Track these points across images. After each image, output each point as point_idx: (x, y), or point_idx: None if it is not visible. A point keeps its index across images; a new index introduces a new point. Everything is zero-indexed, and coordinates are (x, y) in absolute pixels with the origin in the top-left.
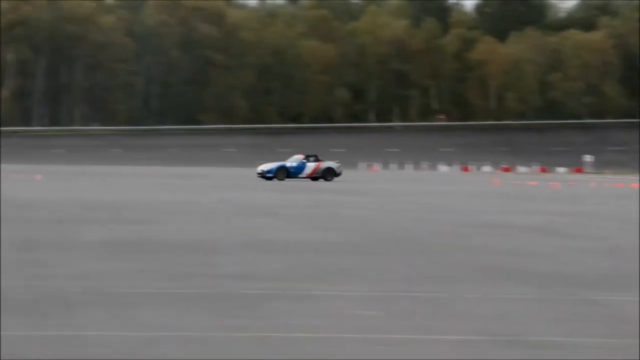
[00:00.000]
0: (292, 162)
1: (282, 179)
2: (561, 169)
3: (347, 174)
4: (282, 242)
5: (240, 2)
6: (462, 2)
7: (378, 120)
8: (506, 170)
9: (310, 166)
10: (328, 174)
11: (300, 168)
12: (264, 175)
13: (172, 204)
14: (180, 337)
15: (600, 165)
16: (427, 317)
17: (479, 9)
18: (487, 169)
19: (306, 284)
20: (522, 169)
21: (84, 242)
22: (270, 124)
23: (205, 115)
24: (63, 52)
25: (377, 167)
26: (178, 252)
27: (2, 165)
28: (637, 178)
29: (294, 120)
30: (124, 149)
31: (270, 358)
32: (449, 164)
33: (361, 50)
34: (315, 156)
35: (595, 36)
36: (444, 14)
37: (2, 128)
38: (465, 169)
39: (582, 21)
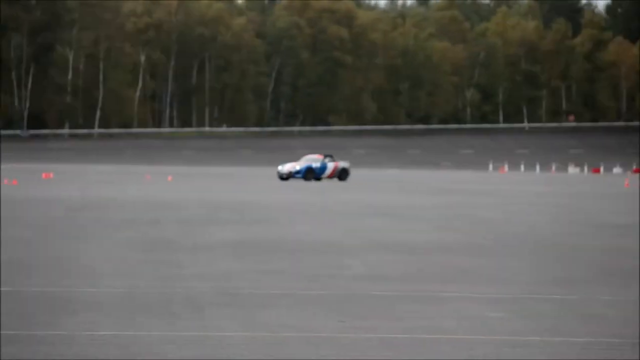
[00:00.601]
0: (314, 162)
1: (309, 180)
2: None
3: (473, 175)
4: (407, 243)
5: (370, 3)
6: (594, 2)
7: (507, 122)
8: (637, 172)
9: (330, 166)
10: (343, 174)
11: (323, 168)
12: (291, 176)
13: (300, 205)
14: (307, 338)
15: None
16: (556, 318)
17: (610, 9)
18: (617, 170)
19: (434, 285)
20: None
21: (212, 242)
22: (399, 125)
23: (334, 116)
24: (194, 54)
25: (505, 168)
26: (305, 253)
27: (137, 167)
28: None
29: (422, 121)
30: (253, 150)
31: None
32: (579, 165)
33: (491, 51)
34: (331, 156)
35: None
36: (574, 15)
37: (134, 129)
38: (596, 171)
39: None
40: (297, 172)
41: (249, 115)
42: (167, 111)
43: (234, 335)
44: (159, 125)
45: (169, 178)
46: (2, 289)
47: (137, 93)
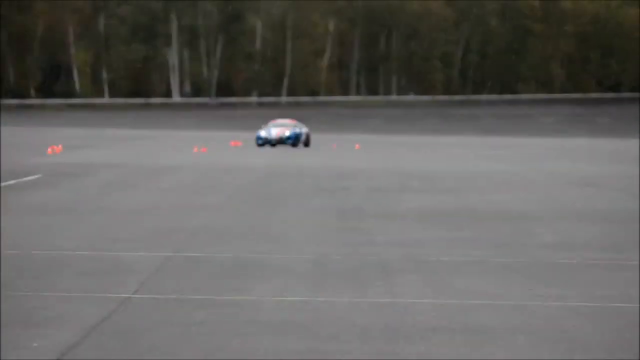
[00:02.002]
0: (295, 127)
1: (296, 146)
2: None
3: None
4: (600, 211)
5: None
6: None
7: None
8: None
9: (304, 132)
10: (308, 141)
11: (300, 135)
12: (281, 142)
13: (488, 173)
14: (495, 306)
15: None
16: None
17: None
18: None
19: (625, 253)
20: None
21: (402, 210)
22: (588, 93)
23: (522, 85)
24: (382, 22)
25: None
26: (494, 221)
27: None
28: None
29: (612, 89)
30: (440, 119)
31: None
32: None
33: None
34: (297, 120)
35: None
36: None
37: (321, 97)
38: None
39: None
40: (288, 137)
41: (436, 83)
42: (354, 79)
43: (422, 302)
44: (346, 94)
45: (357, 146)
46: (195, 254)
47: (325, 61)
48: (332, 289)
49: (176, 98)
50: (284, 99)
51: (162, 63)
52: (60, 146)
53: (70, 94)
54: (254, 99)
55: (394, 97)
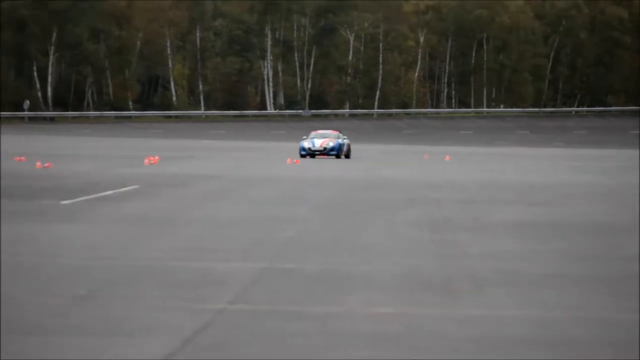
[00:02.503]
0: (338, 138)
1: (339, 157)
2: None
3: None
4: None
5: None
6: None
7: None
8: None
9: (346, 143)
10: (349, 152)
11: (343, 145)
12: (324, 153)
13: (578, 185)
14: (582, 319)
15: None
16: None
17: None
18: None
19: None
20: None
21: (493, 222)
22: None
23: (612, 97)
24: (472, 35)
25: None
26: (584, 234)
27: (415, 146)
28: None
29: None
30: (530, 131)
31: None
32: None
33: None
34: (339, 130)
35: None
36: None
37: (412, 109)
38: None
39: None
40: (332, 149)
41: (526, 95)
42: (445, 91)
43: (513, 314)
44: (437, 106)
45: (447, 158)
46: (286, 265)
47: (416, 74)
48: (424, 300)
49: (270, 110)
50: (375, 110)
51: (257, 75)
52: (157, 157)
53: (167, 106)
54: (346, 110)
55: (484, 109)
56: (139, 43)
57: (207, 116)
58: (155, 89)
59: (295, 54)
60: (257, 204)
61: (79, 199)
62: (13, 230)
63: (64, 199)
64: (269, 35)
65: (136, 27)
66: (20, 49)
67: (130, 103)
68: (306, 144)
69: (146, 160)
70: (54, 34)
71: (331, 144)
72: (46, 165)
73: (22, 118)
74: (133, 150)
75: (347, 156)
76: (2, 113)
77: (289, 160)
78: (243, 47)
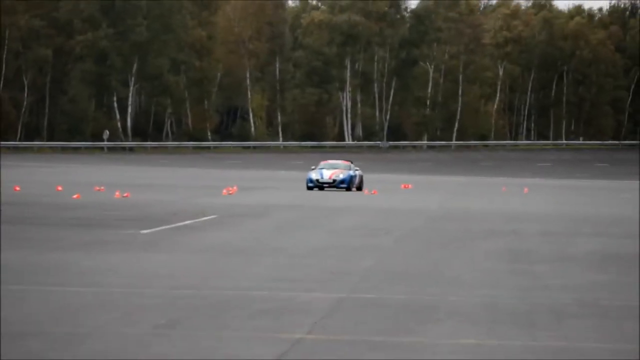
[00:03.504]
0: (349, 169)
1: (350, 190)
2: None
3: None
4: None
5: None
6: None
7: None
8: None
9: (358, 175)
10: (361, 184)
11: (354, 177)
12: (333, 185)
13: None
14: None
15: None
16: None
17: None
18: None
19: None
20: None
21: (574, 254)
22: None
23: None
24: (553, 68)
25: None
26: None
27: (493, 179)
28: None
29: None
30: (609, 164)
31: None
32: None
33: None
34: (351, 161)
35: None
36: None
37: (490, 141)
38: None
39: None
40: (342, 181)
41: (606, 128)
42: (524, 124)
43: (593, 346)
44: (516, 138)
45: (525, 190)
46: (368, 295)
47: (495, 106)
48: (505, 332)
49: (348, 141)
50: (453, 142)
51: (335, 107)
52: (235, 187)
53: (245, 136)
54: (424, 142)
55: (563, 142)
56: (218, 74)
57: (285, 147)
58: (234, 119)
59: (374, 85)
60: (336, 233)
61: (158, 229)
62: (93, 260)
63: (144, 229)
64: (349, 67)
65: (216, 59)
66: (101, 80)
67: (209, 133)
68: (314, 175)
69: (224, 191)
70: (135, 65)
71: (341, 176)
72: (125, 195)
73: (101, 148)
74: (211, 181)
75: (359, 188)
76: (82, 143)
77: (366, 191)
78: (322, 79)
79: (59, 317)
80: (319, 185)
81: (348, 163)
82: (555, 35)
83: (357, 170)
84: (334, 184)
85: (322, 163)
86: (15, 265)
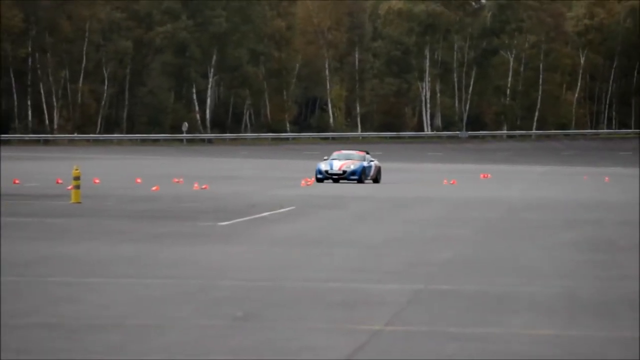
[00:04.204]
0: (362, 160)
1: (362, 182)
2: None
3: None
4: None
5: None
6: None
7: None
8: None
9: (373, 166)
10: (379, 175)
11: (370, 168)
12: (343, 177)
13: None
14: None
15: None
16: None
17: None
18: None
19: None
20: None
21: None
22: None
23: None
24: (636, 56)
25: None
26: None
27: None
28: None
29: None
30: None
31: None
32: None
33: None
34: (367, 151)
35: None
36: None
37: (571, 130)
38: None
39: None
40: (353, 172)
41: None
42: (605, 112)
43: None
44: (596, 127)
45: (606, 179)
46: (445, 286)
47: (575, 94)
48: (585, 323)
49: (427, 131)
50: (533, 132)
51: (414, 97)
52: (313, 179)
53: (324, 127)
54: (503, 132)
55: None
56: (297, 65)
57: (364, 137)
58: (312, 110)
59: (454, 74)
60: (413, 224)
61: (236, 221)
62: (172, 252)
63: (222, 221)
64: (428, 56)
65: (295, 49)
66: (180, 72)
67: (288, 125)
68: (323, 166)
69: (303, 182)
70: (214, 57)
71: (352, 167)
72: (203, 187)
73: (180, 140)
74: (290, 172)
75: (376, 180)
76: (161, 135)
77: (445, 181)
78: (401, 68)
79: (136, 309)
80: (328, 177)
81: (362, 153)
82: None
83: (372, 161)
84: (344, 176)
85: (335, 153)
86: (93, 258)
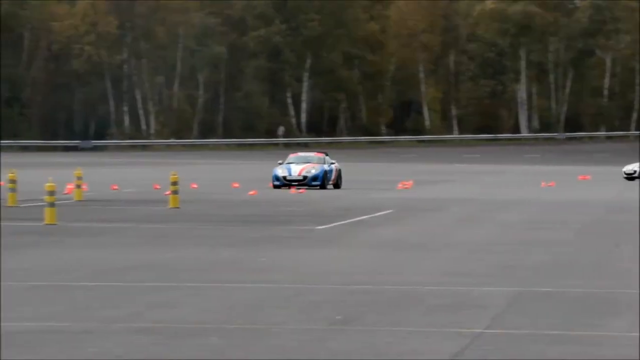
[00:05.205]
0: (323, 163)
1: (324, 188)
2: None
3: None
4: None
5: None
6: None
7: None
8: None
9: (334, 169)
10: (340, 180)
11: (331, 172)
12: (303, 184)
13: None
14: None
15: None
16: None
17: None
18: None
19: None
20: None
21: None
22: None
23: None
24: None
25: None
26: None
27: None
28: None
29: None
30: None
31: None
32: None
33: None
34: (326, 153)
35: None
36: None
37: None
38: None
39: None
40: (314, 177)
41: None
42: None
43: None
44: None
45: None
46: (545, 289)
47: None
48: None
49: (524, 133)
50: (631, 133)
51: (510, 98)
52: (410, 182)
53: (420, 130)
54: (601, 133)
55: None
56: (391, 68)
57: (460, 140)
58: (407, 113)
59: (550, 76)
60: (511, 227)
61: (334, 224)
62: (271, 256)
63: (319, 225)
64: (523, 58)
65: (389, 52)
66: (274, 76)
67: (383, 128)
68: (280, 171)
69: (400, 185)
70: (308, 61)
71: (313, 172)
72: (300, 191)
73: (276, 144)
74: (386, 175)
75: (337, 185)
76: (257, 140)
77: (543, 183)
78: (496, 70)
79: (236, 314)
80: (287, 183)
81: (322, 155)
82: None
83: (332, 163)
84: (305, 182)
85: (292, 156)
86: (191, 263)
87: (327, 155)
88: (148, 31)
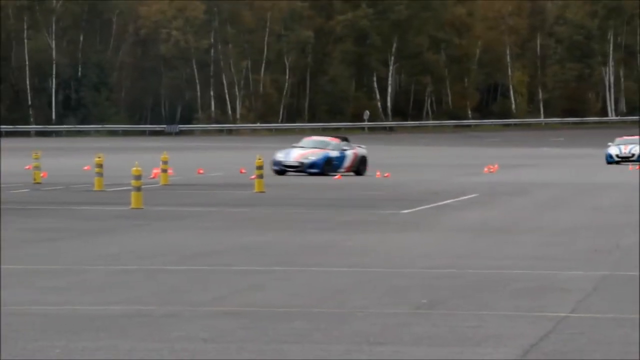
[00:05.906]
0: (329, 148)
1: (327, 174)
2: None
3: None
4: None
5: None
6: None
7: None
8: None
9: (350, 155)
10: (362, 167)
11: (342, 158)
12: (301, 170)
13: None
14: None
15: None
16: None
17: None
18: None
19: None
20: None
21: None
22: None
23: None
24: None
25: None
26: None
27: None
28: None
29: None
30: None
31: None
32: None
33: None
34: (346, 139)
35: None
36: None
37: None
38: None
39: None
40: (312, 164)
41: None
42: None
43: None
44: None
45: None
46: (633, 273)
47: None
48: None
49: (611, 116)
50: None
51: (597, 81)
52: (496, 165)
53: (506, 114)
54: None
55: None
56: (478, 51)
57: (546, 124)
58: (494, 97)
59: (638, 59)
60: (598, 210)
61: (419, 208)
62: (357, 240)
63: (404, 208)
64: (611, 40)
65: (476, 35)
66: (361, 60)
67: (469, 112)
68: (279, 155)
69: (485, 169)
70: (394, 45)
71: (312, 158)
72: (386, 175)
73: (362, 128)
74: (472, 159)
75: (358, 172)
76: (343, 124)
77: (630, 167)
78: (583, 53)
79: (322, 298)
80: (285, 169)
81: (337, 141)
82: None
83: (346, 149)
84: (301, 168)
85: (305, 140)
86: (278, 247)
87: (345, 140)
88: (235, 16)
